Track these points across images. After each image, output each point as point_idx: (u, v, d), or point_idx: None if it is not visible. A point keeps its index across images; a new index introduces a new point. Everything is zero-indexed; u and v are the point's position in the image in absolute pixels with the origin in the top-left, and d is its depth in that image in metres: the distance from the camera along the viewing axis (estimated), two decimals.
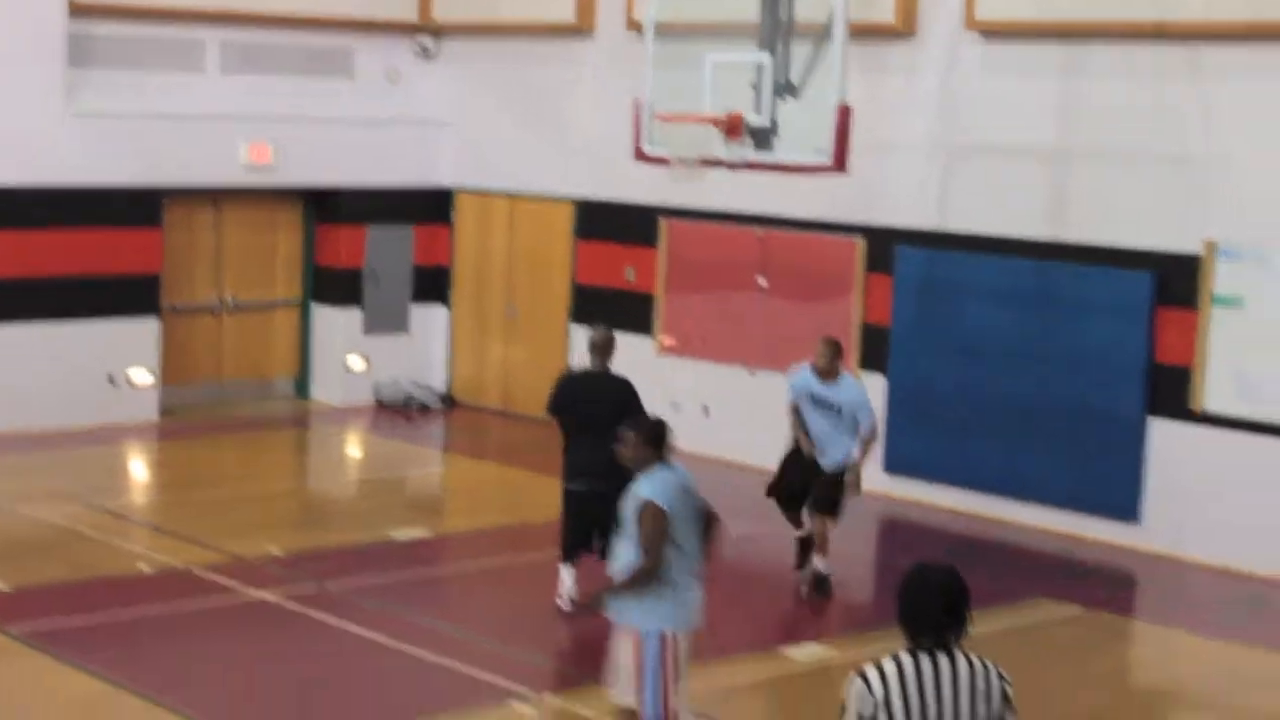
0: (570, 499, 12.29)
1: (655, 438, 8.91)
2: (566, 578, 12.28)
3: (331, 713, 10.35)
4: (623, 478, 10.69)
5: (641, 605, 8.76)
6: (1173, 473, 14.75)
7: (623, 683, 8.95)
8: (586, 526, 12.08)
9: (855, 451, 13.09)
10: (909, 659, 6.00)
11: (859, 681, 5.97)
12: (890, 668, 5.97)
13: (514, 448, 18.49)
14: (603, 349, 12.45)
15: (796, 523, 13.45)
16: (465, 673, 11.05)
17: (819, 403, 13.12)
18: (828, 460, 13.14)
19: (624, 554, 8.89)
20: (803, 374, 13.28)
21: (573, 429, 12.30)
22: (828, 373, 13.09)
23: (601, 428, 11.59)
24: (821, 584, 13.22)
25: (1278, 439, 14.16)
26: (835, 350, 13.11)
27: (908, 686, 5.94)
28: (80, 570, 13.07)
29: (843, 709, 6.01)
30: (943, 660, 6.00)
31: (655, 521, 8.65)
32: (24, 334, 17.80)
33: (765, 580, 13.71)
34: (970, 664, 6.03)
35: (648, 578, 8.66)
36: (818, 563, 13.25)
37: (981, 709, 5.98)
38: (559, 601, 12.27)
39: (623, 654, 8.91)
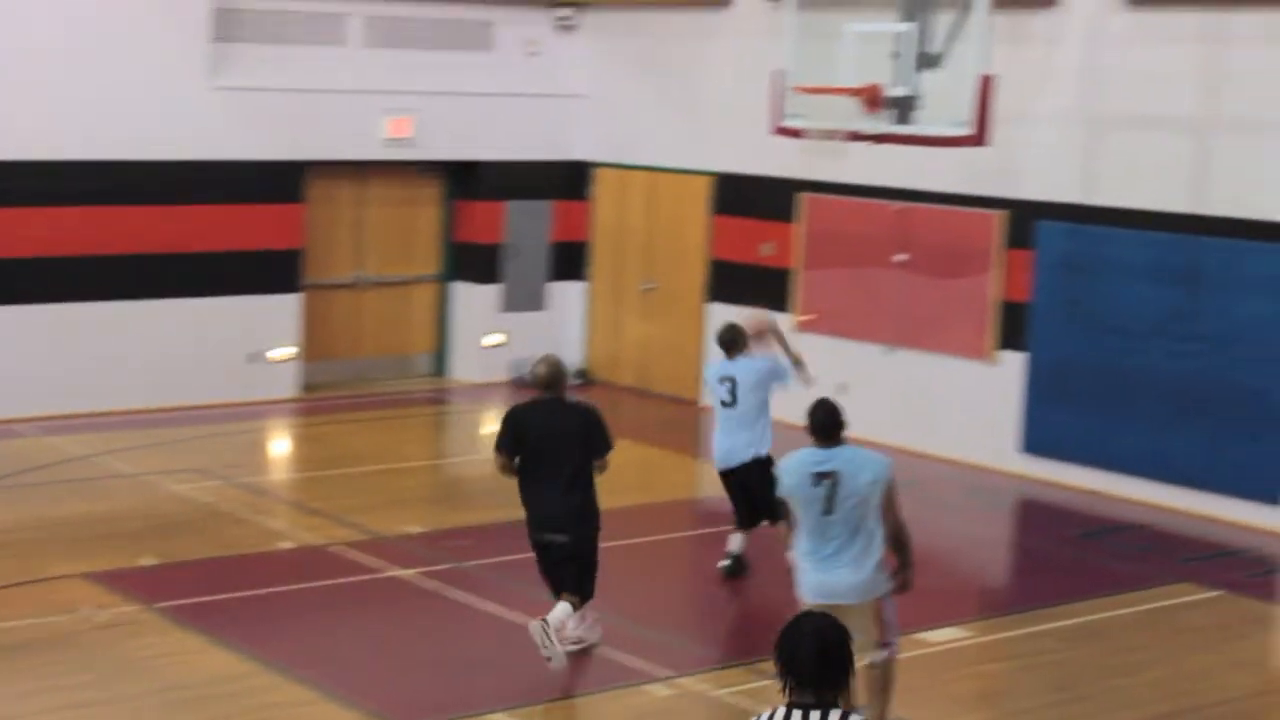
0: (536, 550, 11.03)
1: (812, 423, 9.21)
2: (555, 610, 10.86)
3: (467, 690, 10.38)
4: (589, 524, 10.48)
5: None
6: None
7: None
8: (557, 579, 10.97)
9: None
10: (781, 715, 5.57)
11: None
12: None
13: (649, 425, 18.47)
14: (551, 385, 10.91)
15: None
16: (599, 653, 11.06)
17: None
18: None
19: None
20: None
21: (525, 469, 10.89)
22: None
23: (559, 465, 10.75)
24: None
25: None
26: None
27: None
28: (223, 546, 13.24)
29: None
30: None
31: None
32: (166, 309, 17.95)
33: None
34: None
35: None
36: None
37: None
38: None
39: None
